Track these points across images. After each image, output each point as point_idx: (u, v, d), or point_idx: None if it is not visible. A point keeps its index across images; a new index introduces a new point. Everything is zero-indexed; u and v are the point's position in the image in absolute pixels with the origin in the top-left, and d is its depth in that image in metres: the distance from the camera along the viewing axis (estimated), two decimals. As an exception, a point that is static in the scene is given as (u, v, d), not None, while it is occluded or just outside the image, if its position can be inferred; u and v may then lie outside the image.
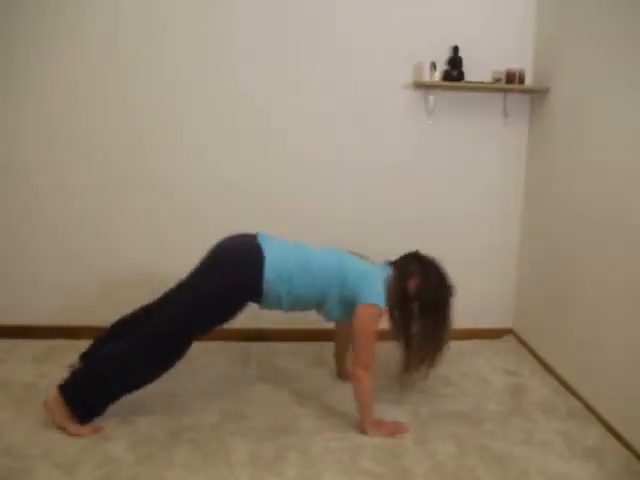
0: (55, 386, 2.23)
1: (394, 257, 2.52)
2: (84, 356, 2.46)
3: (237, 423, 2.38)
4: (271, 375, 2.84)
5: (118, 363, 2.23)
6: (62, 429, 2.22)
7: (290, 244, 2.44)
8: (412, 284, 2.39)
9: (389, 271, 2.44)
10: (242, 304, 2.37)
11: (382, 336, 2.37)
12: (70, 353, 2.89)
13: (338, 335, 2.77)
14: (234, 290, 2.33)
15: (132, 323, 2.40)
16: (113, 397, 2.27)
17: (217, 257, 2.39)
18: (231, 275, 2.31)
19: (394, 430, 2.34)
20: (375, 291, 2.33)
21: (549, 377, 2.90)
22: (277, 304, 2.40)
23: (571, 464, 2.18)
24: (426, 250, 3.25)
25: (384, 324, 2.43)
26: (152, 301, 2.49)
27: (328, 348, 2.87)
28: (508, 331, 3.46)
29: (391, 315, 2.47)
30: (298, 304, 2.43)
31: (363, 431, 2.32)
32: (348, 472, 2.09)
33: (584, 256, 2.66)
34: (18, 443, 2.16)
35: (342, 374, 2.80)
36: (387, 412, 2.47)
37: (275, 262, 2.32)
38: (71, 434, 2.21)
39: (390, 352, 2.51)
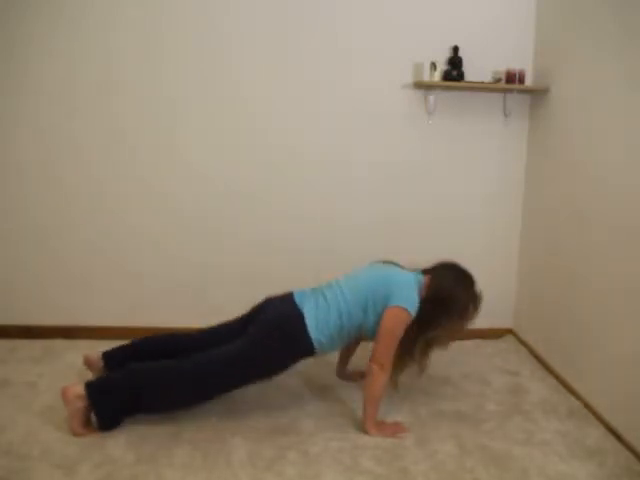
0: (83, 382, 2.22)
1: (427, 264, 2.51)
2: (110, 358, 2.45)
3: (237, 423, 2.38)
4: (271, 375, 2.84)
5: (155, 384, 2.24)
6: (70, 421, 2.21)
7: (321, 296, 2.40)
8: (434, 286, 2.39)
9: (422, 279, 2.44)
10: (293, 364, 2.41)
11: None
12: (70, 353, 2.90)
13: None
14: (286, 357, 2.36)
15: (173, 348, 2.41)
16: (134, 413, 2.28)
17: (263, 324, 2.36)
18: (281, 345, 2.31)
19: (395, 431, 2.34)
20: (408, 295, 2.32)
21: (549, 377, 2.90)
22: (331, 349, 2.44)
23: (571, 464, 2.18)
24: (426, 250, 3.28)
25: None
26: (197, 332, 2.50)
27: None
28: (508, 331, 3.46)
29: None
30: (349, 338, 2.45)
31: (364, 430, 2.32)
32: (348, 472, 2.08)
33: (584, 256, 2.66)
34: (18, 443, 2.16)
35: (342, 374, 2.80)
36: (387, 412, 2.47)
37: (317, 324, 2.32)
38: (73, 430, 2.20)
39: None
